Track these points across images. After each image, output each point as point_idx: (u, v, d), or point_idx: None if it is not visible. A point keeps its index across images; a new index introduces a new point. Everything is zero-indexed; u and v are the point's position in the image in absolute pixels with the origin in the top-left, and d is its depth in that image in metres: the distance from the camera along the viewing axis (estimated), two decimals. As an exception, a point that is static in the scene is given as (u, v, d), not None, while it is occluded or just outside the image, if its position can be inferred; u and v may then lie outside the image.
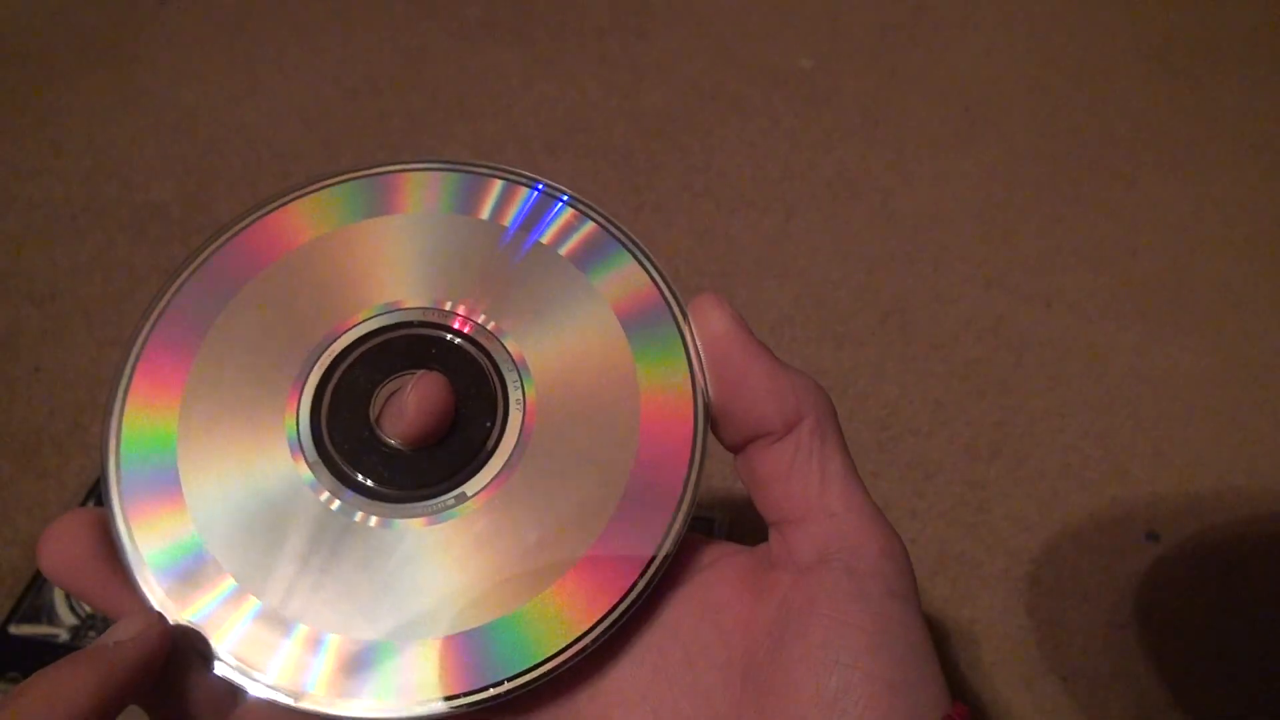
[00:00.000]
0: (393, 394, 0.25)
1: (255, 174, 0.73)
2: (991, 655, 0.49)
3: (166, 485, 0.24)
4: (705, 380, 0.25)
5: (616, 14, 0.88)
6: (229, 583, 0.23)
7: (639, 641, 0.25)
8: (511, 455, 0.25)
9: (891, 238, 0.68)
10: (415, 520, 0.24)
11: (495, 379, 0.25)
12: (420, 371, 0.25)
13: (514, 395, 0.25)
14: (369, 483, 0.25)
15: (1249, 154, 0.75)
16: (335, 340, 0.26)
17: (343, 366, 0.25)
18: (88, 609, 0.49)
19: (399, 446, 0.25)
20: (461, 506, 0.24)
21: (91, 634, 0.48)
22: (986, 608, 0.51)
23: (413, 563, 0.24)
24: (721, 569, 0.25)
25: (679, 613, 0.25)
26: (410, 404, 0.24)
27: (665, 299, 0.26)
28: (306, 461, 0.24)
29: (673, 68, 0.83)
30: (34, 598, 0.49)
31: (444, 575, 0.24)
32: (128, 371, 0.25)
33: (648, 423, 0.25)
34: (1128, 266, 0.67)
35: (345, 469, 0.25)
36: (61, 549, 0.23)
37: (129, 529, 0.23)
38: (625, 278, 0.26)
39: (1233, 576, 0.51)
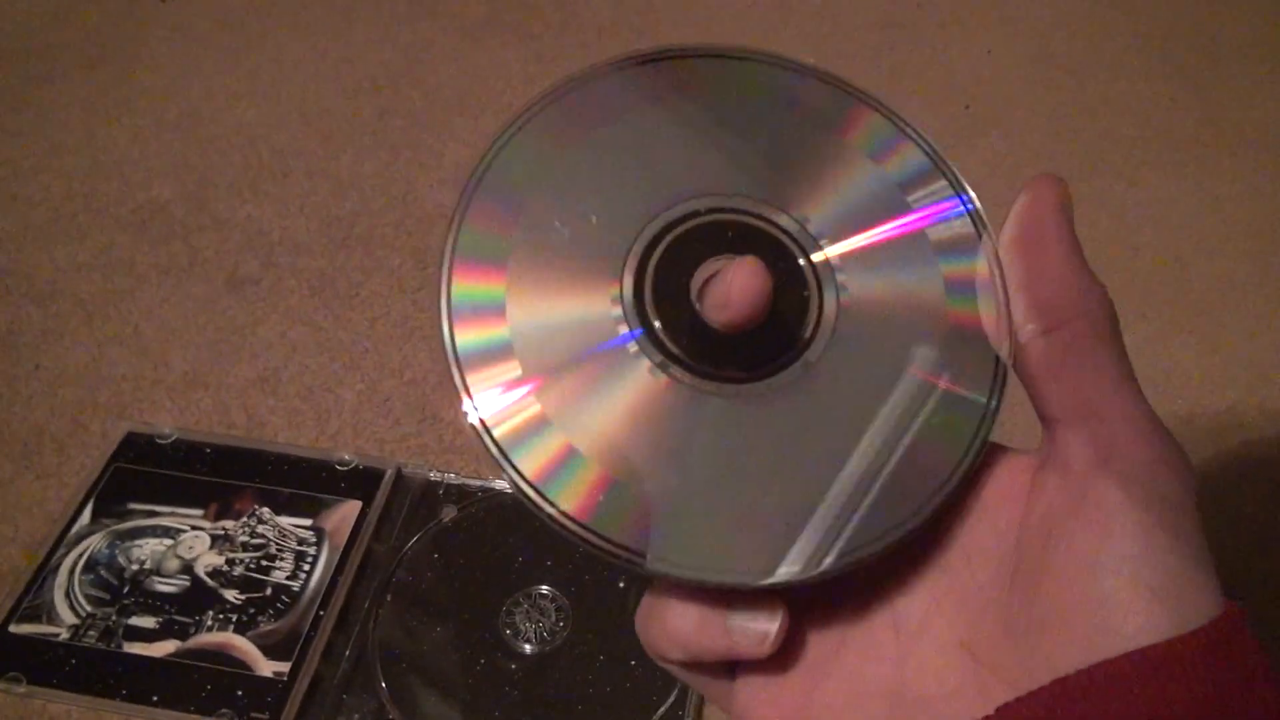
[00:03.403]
0: (712, 277, 0.26)
1: (255, 172, 0.73)
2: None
3: (494, 315, 0.25)
4: (1008, 304, 0.25)
5: (618, 12, 0.88)
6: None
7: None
8: (826, 347, 0.25)
9: (892, 237, 0.68)
10: (726, 396, 0.25)
11: (812, 276, 0.26)
12: (740, 258, 0.25)
13: (828, 292, 0.26)
14: (685, 356, 0.25)
15: (1249, 153, 0.75)
16: (665, 212, 0.26)
17: (668, 240, 0.26)
18: (88, 607, 0.49)
19: (718, 328, 0.25)
20: (778, 387, 0.25)
21: (90, 634, 0.48)
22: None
23: (734, 436, 0.24)
24: (996, 469, 0.26)
25: (956, 512, 0.26)
26: (734, 291, 0.24)
27: (975, 223, 0.27)
28: (627, 322, 0.25)
29: (673, 66, 0.83)
30: (34, 597, 0.49)
31: (758, 452, 0.24)
32: (465, 203, 0.26)
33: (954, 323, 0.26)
34: (1128, 265, 0.67)
35: (666, 340, 0.25)
36: None
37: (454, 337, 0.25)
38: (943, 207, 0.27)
39: (1232, 576, 0.51)
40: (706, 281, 0.25)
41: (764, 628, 0.24)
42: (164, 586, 0.50)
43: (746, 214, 0.27)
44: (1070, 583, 0.22)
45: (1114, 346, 0.24)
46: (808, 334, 0.25)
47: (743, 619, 0.24)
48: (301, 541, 0.51)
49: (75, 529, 0.51)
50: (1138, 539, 0.22)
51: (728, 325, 0.25)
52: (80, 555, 0.51)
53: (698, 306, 0.25)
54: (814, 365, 0.25)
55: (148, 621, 0.48)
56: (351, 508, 0.53)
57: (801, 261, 0.26)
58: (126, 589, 0.49)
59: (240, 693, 0.46)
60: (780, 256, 0.26)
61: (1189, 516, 0.22)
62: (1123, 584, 0.21)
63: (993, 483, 0.25)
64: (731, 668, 0.26)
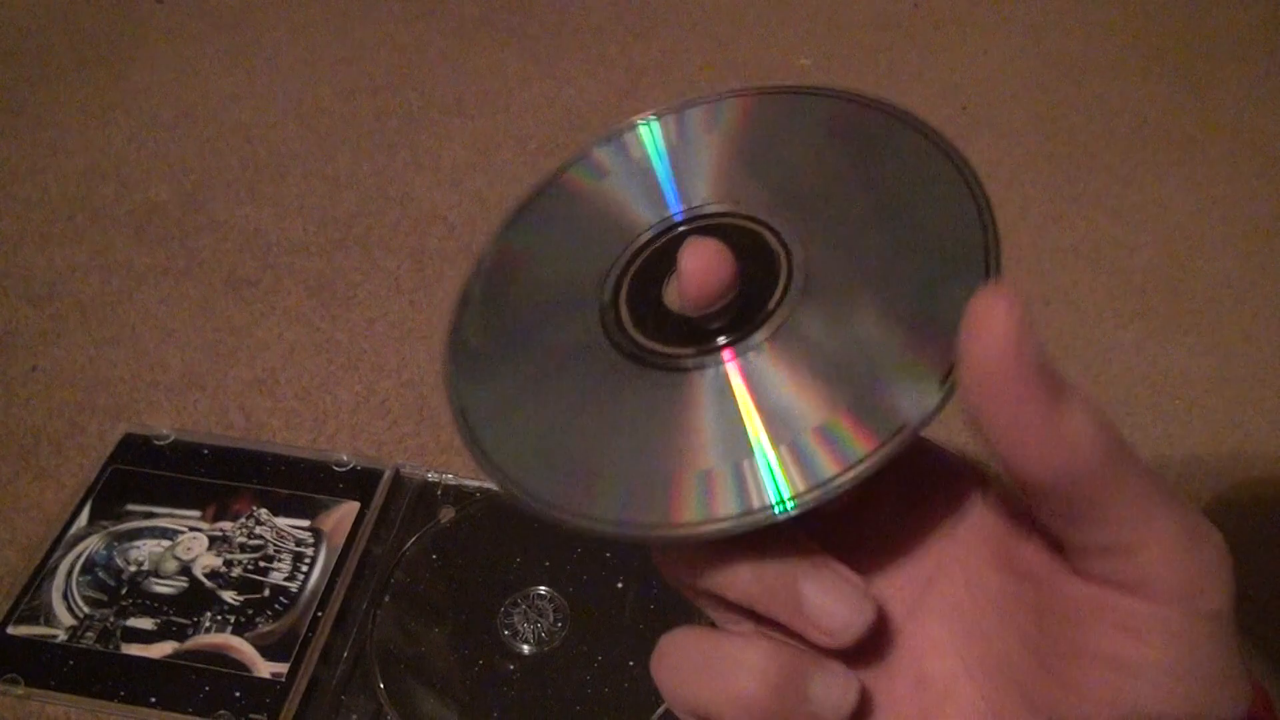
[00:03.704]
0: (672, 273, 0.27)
1: (252, 173, 0.73)
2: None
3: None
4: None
5: (615, 13, 0.88)
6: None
7: (950, 596, 0.25)
8: (795, 308, 0.26)
9: (890, 237, 0.68)
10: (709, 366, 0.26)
11: (776, 243, 0.27)
12: (690, 238, 0.25)
13: (796, 258, 0.26)
14: (663, 347, 0.26)
15: (1248, 153, 0.75)
16: (626, 248, 0.28)
17: (631, 271, 0.28)
18: (85, 609, 0.48)
19: (693, 315, 0.26)
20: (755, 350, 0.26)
21: (88, 635, 0.48)
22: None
23: (704, 403, 0.25)
24: (1030, 540, 0.24)
25: (985, 571, 0.25)
26: (684, 266, 0.24)
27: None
28: (611, 341, 0.27)
29: (671, 67, 0.83)
30: (31, 599, 0.49)
31: (742, 406, 0.25)
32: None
33: None
34: (1127, 265, 0.67)
35: (641, 338, 0.27)
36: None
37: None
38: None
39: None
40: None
41: (846, 698, 0.23)
42: (162, 588, 0.50)
43: (711, 216, 0.28)
44: (1100, 682, 0.22)
45: (1131, 483, 0.21)
46: (772, 307, 0.26)
47: (824, 687, 0.23)
48: (299, 542, 0.51)
49: (73, 530, 0.51)
50: (1173, 649, 0.21)
51: (685, 298, 0.25)
52: (78, 557, 0.50)
53: (672, 305, 0.26)
54: (788, 322, 0.25)
55: (145, 623, 0.48)
56: (349, 509, 0.52)
57: (775, 246, 0.26)
58: (124, 590, 0.49)
59: (238, 694, 0.46)
60: (753, 242, 0.27)
61: (1226, 623, 0.21)
62: (1154, 688, 0.21)
63: (1029, 553, 0.24)
64: None
